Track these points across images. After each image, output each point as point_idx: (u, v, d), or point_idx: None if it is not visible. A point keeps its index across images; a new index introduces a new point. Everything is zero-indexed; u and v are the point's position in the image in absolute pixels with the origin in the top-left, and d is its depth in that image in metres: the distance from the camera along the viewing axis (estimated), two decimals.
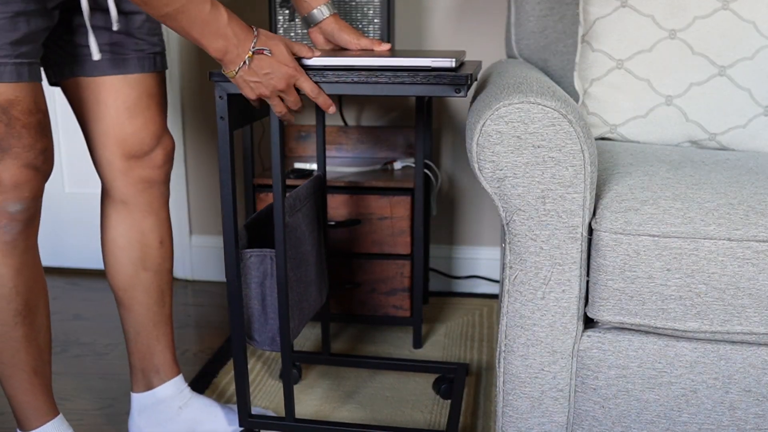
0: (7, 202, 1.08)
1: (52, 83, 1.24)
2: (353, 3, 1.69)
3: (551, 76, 1.66)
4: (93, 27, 1.17)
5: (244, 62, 1.04)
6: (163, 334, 1.36)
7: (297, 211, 1.31)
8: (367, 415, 1.48)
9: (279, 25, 1.71)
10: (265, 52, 1.04)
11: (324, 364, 1.63)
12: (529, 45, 1.66)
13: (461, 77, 1.05)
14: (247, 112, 1.23)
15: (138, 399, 1.38)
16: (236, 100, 1.17)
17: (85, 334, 1.88)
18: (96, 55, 1.12)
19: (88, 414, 1.51)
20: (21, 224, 1.11)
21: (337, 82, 1.09)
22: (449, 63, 1.07)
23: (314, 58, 1.09)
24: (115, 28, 1.14)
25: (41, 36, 1.08)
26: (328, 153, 2.01)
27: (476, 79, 1.05)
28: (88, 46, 1.18)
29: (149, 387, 1.37)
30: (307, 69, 1.09)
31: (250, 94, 1.08)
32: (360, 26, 1.70)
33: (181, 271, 2.28)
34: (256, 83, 1.06)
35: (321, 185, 1.48)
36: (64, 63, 1.20)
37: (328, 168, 1.83)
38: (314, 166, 1.84)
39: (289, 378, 1.29)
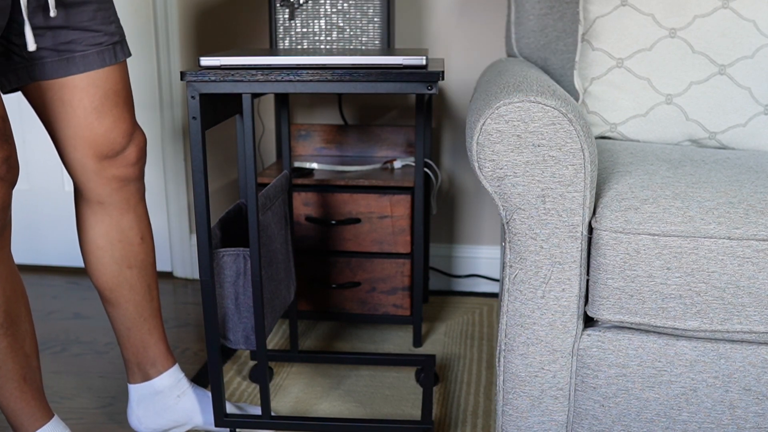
0: None
1: (7, 91, 1.19)
2: (353, 2, 1.69)
3: (551, 74, 1.66)
4: (48, 27, 1.12)
5: None
6: (155, 327, 1.36)
7: (267, 209, 1.32)
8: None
9: (279, 24, 1.71)
10: None
11: (295, 361, 1.63)
12: (529, 44, 1.66)
13: (433, 74, 1.08)
14: (219, 110, 1.24)
15: (136, 390, 1.39)
16: (209, 100, 1.18)
17: (84, 333, 1.88)
18: (31, 46, 1.05)
19: (88, 412, 1.51)
20: None
21: (311, 80, 1.09)
22: (420, 61, 1.10)
23: (288, 57, 1.08)
24: (52, 14, 1.08)
25: None
26: (328, 152, 2.01)
27: (443, 78, 1.09)
28: (45, 48, 1.14)
29: (146, 378, 1.38)
30: (282, 68, 1.10)
31: None
32: (360, 25, 1.70)
33: (181, 270, 2.28)
34: None
35: (288, 183, 1.50)
36: (21, 68, 1.16)
37: (328, 167, 1.83)
38: (314, 165, 1.84)
39: (265, 376, 1.29)
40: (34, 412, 1.20)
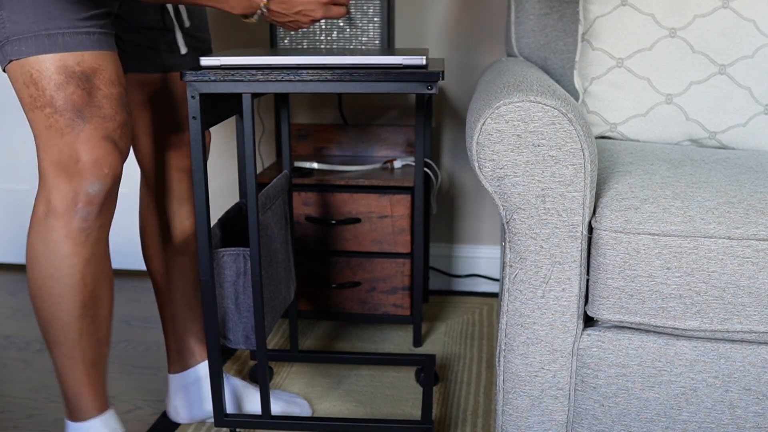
0: (85, 181, 1.06)
1: None
2: (353, 2, 1.69)
3: (551, 74, 1.66)
4: (153, 29, 1.21)
5: (261, 11, 1.06)
6: (198, 317, 1.40)
7: (267, 209, 1.32)
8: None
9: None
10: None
11: (295, 361, 1.63)
12: (529, 43, 1.66)
13: (433, 74, 1.08)
14: (219, 110, 1.24)
15: (174, 380, 1.41)
16: (209, 100, 1.18)
17: None
18: (183, 49, 1.19)
19: None
20: (97, 208, 1.09)
21: (311, 80, 1.10)
22: (420, 60, 1.10)
23: (288, 57, 1.11)
24: (186, 24, 1.21)
25: (114, 11, 1.11)
26: (327, 151, 2.01)
27: (443, 78, 1.09)
28: (143, 46, 1.22)
29: (185, 367, 1.41)
30: (282, 68, 1.10)
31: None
32: (360, 25, 1.70)
33: None
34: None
35: (288, 183, 1.50)
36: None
37: (328, 167, 1.83)
38: (314, 165, 1.84)
39: (265, 376, 1.30)
40: (94, 399, 1.21)
